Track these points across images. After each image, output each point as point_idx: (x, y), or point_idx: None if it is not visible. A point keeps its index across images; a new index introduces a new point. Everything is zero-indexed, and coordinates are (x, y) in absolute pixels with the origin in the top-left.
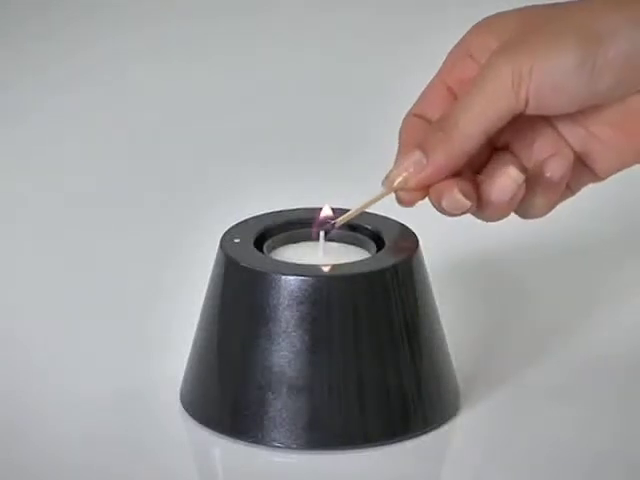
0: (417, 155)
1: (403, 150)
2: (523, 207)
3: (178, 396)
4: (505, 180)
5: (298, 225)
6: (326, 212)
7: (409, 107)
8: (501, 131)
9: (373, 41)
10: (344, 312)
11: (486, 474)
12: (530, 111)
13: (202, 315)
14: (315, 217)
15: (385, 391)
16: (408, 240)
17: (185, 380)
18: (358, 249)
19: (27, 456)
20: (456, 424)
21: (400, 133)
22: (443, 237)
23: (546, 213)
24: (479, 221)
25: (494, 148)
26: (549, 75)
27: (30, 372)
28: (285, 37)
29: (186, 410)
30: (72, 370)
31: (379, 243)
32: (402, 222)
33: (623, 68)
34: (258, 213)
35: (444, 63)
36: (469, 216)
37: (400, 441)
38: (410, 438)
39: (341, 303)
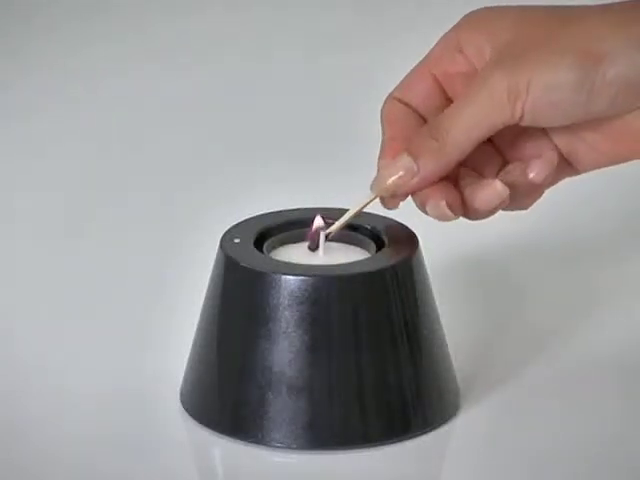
0: (406, 161)
1: (389, 146)
2: (507, 207)
3: (178, 396)
4: (491, 193)
5: (298, 225)
6: (317, 223)
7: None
8: None
9: (373, 40)
10: (344, 312)
11: (486, 474)
12: (524, 123)
13: (202, 315)
14: (308, 229)
15: (385, 391)
16: (408, 240)
17: (185, 380)
18: (358, 249)
19: (27, 456)
20: (456, 424)
21: (382, 117)
22: (443, 237)
23: (526, 209)
24: (479, 221)
25: None
26: (546, 92)
27: (30, 372)
28: (284, 37)
29: (186, 410)
30: (72, 370)
31: (379, 243)
32: (402, 222)
33: (621, 89)
34: (258, 213)
35: (431, 51)
36: None
37: (400, 441)
38: (410, 438)
39: (341, 303)
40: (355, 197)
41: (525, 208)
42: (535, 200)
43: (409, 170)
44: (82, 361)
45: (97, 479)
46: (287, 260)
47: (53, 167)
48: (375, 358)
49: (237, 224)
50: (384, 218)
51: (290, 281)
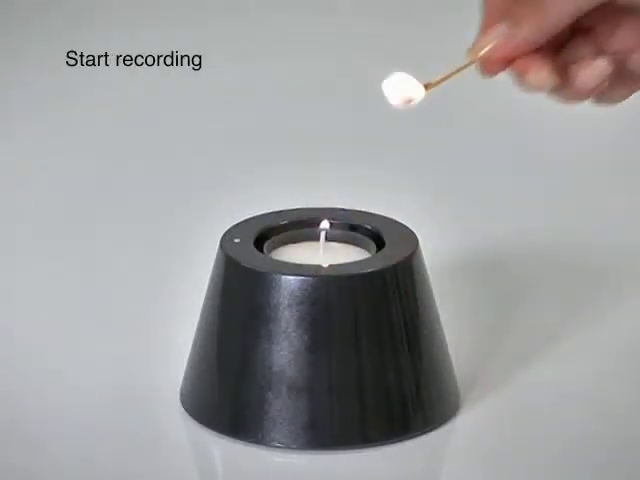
0: (504, 27)
1: (488, 20)
2: (602, 95)
3: (178, 396)
4: (593, 69)
5: (298, 225)
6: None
7: (410, 109)
8: (585, 14)
9: (372, 40)
10: (344, 312)
11: (486, 474)
12: (622, 1)
13: (202, 315)
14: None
15: (385, 391)
16: (408, 240)
17: (185, 380)
18: (358, 249)
19: (27, 456)
20: (456, 424)
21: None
22: (443, 237)
23: (622, 101)
24: (479, 221)
25: (573, 30)
26: None
27: (30, 372)
28: (284, 37)
29: (186, 410)
30: (72, 370)
31: (379, 243)
32: (402, 222)
33: None
34: (258, 213)
35: None
36: (469, 216)
37: (400, 441)
38: (410, 438)
39: (341, 303)
40: (356, 198)
41: (615, 102)
42: (627, 96)
43: (506, 35)
44: (82, 361)
45: (97, 479)
46: (287, 260)
47: (53, 167)
48: (375, 358)
49: (237, 224)
50: (384, 218)
51: (290, 281)
